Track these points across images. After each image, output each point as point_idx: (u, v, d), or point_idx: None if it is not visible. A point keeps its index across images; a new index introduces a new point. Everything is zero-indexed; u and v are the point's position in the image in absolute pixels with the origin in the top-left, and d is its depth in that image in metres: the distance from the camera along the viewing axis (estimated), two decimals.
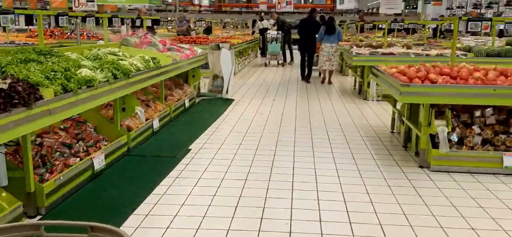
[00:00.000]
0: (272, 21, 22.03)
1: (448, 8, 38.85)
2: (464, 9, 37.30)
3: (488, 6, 33.42)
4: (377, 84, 8.40)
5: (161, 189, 4.07)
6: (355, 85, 10.19)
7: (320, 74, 11.66)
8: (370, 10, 38.98)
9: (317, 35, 10.91)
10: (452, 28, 18.98)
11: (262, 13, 26.59)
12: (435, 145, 4.53)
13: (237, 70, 13.21)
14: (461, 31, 19.22)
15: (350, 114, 7.41)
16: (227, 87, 8.59)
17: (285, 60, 15.59)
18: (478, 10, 34.38)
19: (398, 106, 5.95)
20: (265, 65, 15.26)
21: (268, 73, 13.41)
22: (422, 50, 8.70)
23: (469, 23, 4.95)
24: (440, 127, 4.35)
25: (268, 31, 15.79)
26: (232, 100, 8.51)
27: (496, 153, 4.39)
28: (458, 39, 12.90)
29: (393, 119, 6.16)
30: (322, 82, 11.10)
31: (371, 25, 15.77)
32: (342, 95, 9.30)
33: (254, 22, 22.52)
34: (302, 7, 40.81)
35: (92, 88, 3.90)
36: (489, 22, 4.90)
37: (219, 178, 4.36)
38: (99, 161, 4.30)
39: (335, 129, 6.34)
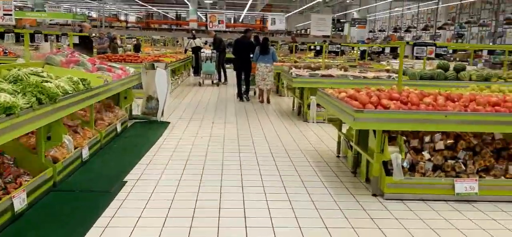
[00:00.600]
0: (203, 40, 21.73)
1: (370, 31, 40.89)
2: (385, 33, 39.39)
3: (407, 30, 35.51)
4: (318, 105, 8.34)
5: (94, 232, 3.54)
6: (293, 106, 10.09)
7: (255, 93, 11.89)
8: (298, 31, 39.96)
9: (252, 55, 10.94)
10: (379, 50, 19.83)
11: (194, 31, 26.21)
12: (388, 172, 4.41)
13: (170, 89, 12.65)
14: (385, 53, 20.09)
15: (293, 137, 7.22)
16: (162, 109, 8.08)
17: (220, 79, 15.28)
18: (398, 34, 36.44)
19: (344, 130, 5.84)
20: (199, 84, 14.83)
21: (203, 93, 13.00)
22: (359, 72, 8.79)
23: (415, 48, 4.96)
24: (394, 154, 4.23)
25: (202, 50, 15.41)
26: (168, 123, 8.01)
27: (447, 180, 4.34)
28: (388, 61, 13.38)
29: (338, 143, 6.04)
30: (261, 102, 11.10)
31: (304, 45, 15.90)
32: (281, 117, 9.13)
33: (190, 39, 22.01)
34: (232, 27, 40.98)
35: (13, 116, 3.30)
36: (434, 47, 4.93)
37: (162, 216, 3.89)
38: (20, 200, 3.67)
39: (280, 154, 6.08)
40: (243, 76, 11.40)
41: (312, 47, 18.05)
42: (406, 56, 16.50)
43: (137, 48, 18.27)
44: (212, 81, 15.15)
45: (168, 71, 8.37)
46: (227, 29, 32.55)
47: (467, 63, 11.40)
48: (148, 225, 3.70)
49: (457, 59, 20.60)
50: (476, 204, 4.30)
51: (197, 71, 16.72)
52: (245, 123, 8.32)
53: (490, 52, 16.30)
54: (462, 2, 26.63)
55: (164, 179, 4.92)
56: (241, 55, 11.21)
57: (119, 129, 6.84)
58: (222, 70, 15.48)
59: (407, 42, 4.93)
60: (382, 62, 13.50)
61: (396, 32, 38.05)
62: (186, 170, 5.26)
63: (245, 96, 11.41)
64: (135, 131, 7.36)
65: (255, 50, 10.91)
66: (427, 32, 33.11)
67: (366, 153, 4.79)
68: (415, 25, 34.62)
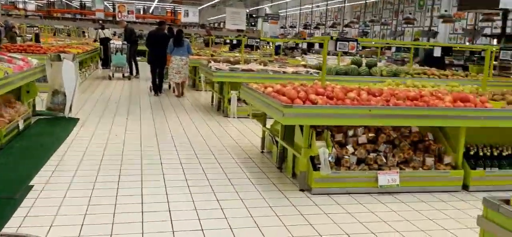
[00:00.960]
0: (112, 30, 20.64)
1: (282, 27, 41.87)
2: (296, 29, 40.55)
3: (316, 27, 36.87)
4: (238, 100, 8.22)
5: None
6: (212, 101, 9.87)
7: (170, 87, 11.62)
8: (211, 24, 39.70)
9: (167, 48, 10.69)
10: (293, 45, 20.25)
11: (101, 21, 24.80)
12: (315, 167, 4.40)
13: (79, 83, 11.78)
14: (298, 49, 20.62)
15: (215, 133, 7.01)
16: (70, 104, 7.42)
17: (131, 73, 14.55)
18: (308, 30, 37.71)
19: (269, 125, 5.77)
20: (109, 78, 13.99)
21: (114, 87, 12.27)
22: (278, 67, 8.82)
23: (338, 43, 5.01)
24: (321, 149, 4.22)
25: (112, 41, 14.56)
26: (77, 119, 7.38)
27: (371, 173, 4.44)
28: (302, 57, 13.68)
29: (263, 139, 5.95)
30: (177, 95, 10.89)
31: (220, 39, 15.70)
32: (201, 112, 8.87)
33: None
34: (142, 18, 39.50)
35: None
36: (355, 42, 5.02)
37: (77, 223, 3.50)
38: None
39: (204, 152, 5.85)
40: (157, 70, 11.08)
41: (228, 41, 17.90)
42: (316, 52, 17.08)
43: (38, 38, 16.82)
44: (123, 75, 14.38)
45: (76, 63, 7.71)
46: (137, 20, 31.28)
47: (375, 58, 11.99)
48: (62, 236, 3.29)
49: (364, 55, 21.82)
50: (398, 196, 4.46)
51: (106, 64, 15.80)
52: (162, 119, 7.95)
53: (398, 50, 17.36)
54: (366, 1, 28.17)
55: (76, 182, 4.47)
56: (155, 47, 10.89)
57: (21, 126, 6.14)
58: (133, 63, 14.76)
59: (331, 37, 4.96)
60: (297, 57, 13.76)
61: (306, 29, 39.36)
62: (101, 171, 4.83)
63: (159, 91, 11.10)
64: (40, 128, 6.67)
65: (168, 42, 10.69)
66: (334, 29, 34.66)
67: (292, 148, 4.75)
68: (324, 22, 36.05)
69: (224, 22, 38.61)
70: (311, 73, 8.54)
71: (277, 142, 5.24)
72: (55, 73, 7.34)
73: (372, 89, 5.00)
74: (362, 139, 4.70)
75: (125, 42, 14.02)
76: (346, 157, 4.51)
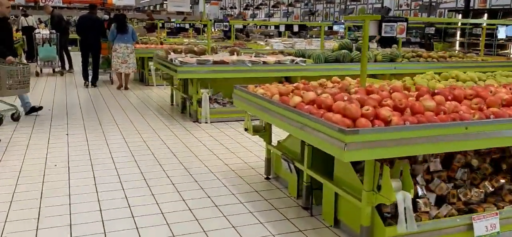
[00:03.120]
0: (36, 17, 17.97)
1: (221, 8, 39.89)
2: (236, 9, 38.80)
3: (257, 8, 35.33)
4: (211, 100, 6.54)
5: None
6: (172, 101, 8.06)
7: (110, 77, 10.71)
8: (148, 7, 36.91)
9: (109, 34, 9.59)
10: (241, 28, 18.52)
11: (22, 7, 21.68)
12: (384, 217, 2.89)
13: None
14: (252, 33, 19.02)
15: (189, 147, 5.30)
16: None
17: (63, 67, 12.25)
18: (250, 11, 36.11)
19: (276, 141, 4.17)
20: (37, 74, 11.65)
21: (44, 85, 10.06)
22: (255, 57, 7.17)
23: (384, 24, 3.52)
24: (401, 193, 2.70)
25: (37, 30, 12.14)
26: None
27: (463, 219, 2.99)
28: (266, 41, 12.10)
29: (268, 161, 4.33)
30: (119, 87, 9.68)
31: (172, 23, 13.67)
32: (161, 115, 7.06)
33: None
34: (68, 2, 35.88)
35: None
36: (405, 23, 3.54)
37: None
38: None
39: (185, 182, 4.15)
40: (90, 59, 10.06)
41: (190, 25, 15.76)
42: (271, 36, 15.53)
43: None
44: (53, 70, 12.08)
45: None
46: (63, 5, 28.04)
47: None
48: None
49: (313, 36, 20.61)
50: None
51: (31, 56, 13.34)
52: (113, 128, 6.08)
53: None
54: None
55: None
56: (86, 34, 9.77)
57: None
58: (65, 55, 12.47)
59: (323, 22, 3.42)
60: (260, 42, 12.16)
61: (247, 9, 37.78)
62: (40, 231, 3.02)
63: (92, 83, 9.97)
64: None
65: (102, 27, 10.02)
66: (277, 9, 33.34)
67: (331, 182, 3.22)
68: (266, 2, 34.56)
69: (161, 4, 36.02)
70: (296, 63, 7.01)
71: (297, 171, 3.67)
72: None
73: (422, 88, 3.52)
74: (435, 165, 3.25)
75: (53, 31, 11.70)
76: (423, 197, 3.04)
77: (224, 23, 8.57)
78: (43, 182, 4.11)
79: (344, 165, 3.13)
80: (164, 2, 33.06)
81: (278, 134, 4.62)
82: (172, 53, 7.18)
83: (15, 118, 6.49)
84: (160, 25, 12.00)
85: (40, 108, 6.99)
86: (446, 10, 16.41)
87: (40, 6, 23.46)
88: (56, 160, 4.76)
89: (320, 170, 3.46)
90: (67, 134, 5.82)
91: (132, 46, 9.55)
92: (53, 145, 5.31)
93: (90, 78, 9.95)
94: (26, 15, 14.22)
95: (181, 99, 7.31)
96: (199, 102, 6.60)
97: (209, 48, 7.52)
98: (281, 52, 8.59)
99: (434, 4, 17.71)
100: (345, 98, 3.00)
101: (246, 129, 4.26)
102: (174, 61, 6.63)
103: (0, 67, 6.02)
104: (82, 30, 9.93)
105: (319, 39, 14.29)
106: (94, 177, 4.26)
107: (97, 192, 3.91)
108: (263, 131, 4.23)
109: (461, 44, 14.59)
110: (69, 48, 12.85)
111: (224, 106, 6.86)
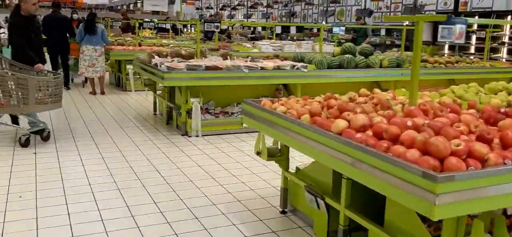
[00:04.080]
0: (3, 16, 16.76)
1: (197, 9, 38.95)
2: (212, 10, 37.96)
3: (234, 8, 34.58)
4: (202, 110, 5.75)
5: None
6: (155, 110, 7.19)
7: (86, 82, 9.90)
8: (122, 6, 35.59)
9: (76, 35, 8.92)
10: (225, 28, 17.68)
11: None
12: None
13: None
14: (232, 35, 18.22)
15: (181, 169, 4.48)
16: None
17: None
18: (226, 11, 35.33)
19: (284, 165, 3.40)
20: None
21: None
22: (250, 62, 6.39)
23: (441, 27, 2.83)
24: None
25: (2, 30, 11.01)
26: None
27: None
28: (254, 43, 11.33)
29: (285, 190, 3.56)
30: (93, 93, 8.93)
31: (152, 23, 12.73)
32: (144, 127, 6.21)
33: None
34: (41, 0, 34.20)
35: None
36: (465, 25, 2.85)
37: None
38: None
39: (181, 215, 3.35)
40: (59, 60, 9.24)
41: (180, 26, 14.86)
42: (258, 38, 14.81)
43: None
44: None
45: None
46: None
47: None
48: None
49: (295, 38, 19.99)
50: None
51: None
52: (91, 147, 5.19)
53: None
54: None
55: None
56: (52, 34, 8.98)
57: None
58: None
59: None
60: (245, 44, 11.40)
61: (223, 10, 37.10)
62: None
63: (66, 86, 9.17)
64: None
65: (69, 26, 9.25)
66: (254, 10, 32.72)
67: (384, 231, 2.50)
68: (244, 3, 33.90)
69: (135, 3, 34.74)
70: (297, 68, 6.28)
71: (327, 207, 2.93)
72: None
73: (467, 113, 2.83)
74: None
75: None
76: None
77: (215, 24, 7.70)
78: (4, 214, 3.24)
79: (403, 211, 2.40)
80: (138, 1, 31.89)
81: (297, 158, 3.88)
82: (156, 57, 6.33)
83: (45, 137, 5.31)
84: (137, 25, 11.04)
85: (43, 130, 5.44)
86: (433, 13, 16.04)
87: (6, 3, 22.10)
88: (21, 188, 3.87)
89: (360, 208, 2.73)
90: (35, 153, 4.92)
91: (102, 48, 8.82)
92: (17, 168, 4.41)
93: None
94: None
95: (166, 108, 6.47)
96: (189, 112, 5.78)
97: (198, 52, 6.70)
98: (276, 56, 7.84)
99: (419, 6, 17.35)
100: (409, 123, 2.28)
101: (258, 153, 3.49)
102: (160, 66, 5.79)
103: (28, 77, 4.87)
104: (47, 31, 9.07)
105: (307, 42, 13.70)
106: (68, 214, 3.40)
107: (72, 232, 3.06)
108: (279, 156, 3.47)
109: (451, 47, 14.19)
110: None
111: (217, 117, 6.07)
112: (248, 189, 4.03)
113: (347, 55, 6.68)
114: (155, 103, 7.18)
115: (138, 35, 12.31)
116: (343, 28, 9.13)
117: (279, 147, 3.49)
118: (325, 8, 24.26)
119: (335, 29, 8.91)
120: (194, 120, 5.71)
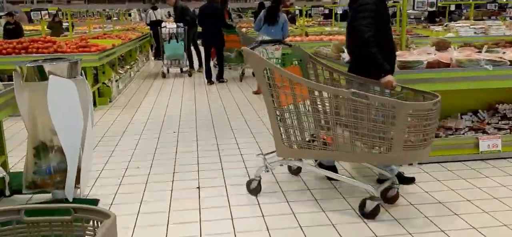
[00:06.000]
0: (166, 10, 17.00)
1: None
2: None
3: None
4: None
5: None
6: None
7: (241, 76, 9.27)
8: None
9: (255, 23, 8.25)
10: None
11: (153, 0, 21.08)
12: None
13: (119, 89, 7.98)
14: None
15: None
16: (75, 172, 3.34)
17: (192, 66, 10.51)
18: None
19: None
20: (163, 75, 10.07)
21: (169, 90, 8.35)
22: (486, 53, 4.29)
23: None
24: None
25: (164, 25, 10.56)
26: (95, 201, 3.40)
27: None
28: (447, 26, 8.98)
29: None
30: (257, 92, 7.63)
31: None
32: None
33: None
34: None
35: None
36: None
37: None
38: None
39: None
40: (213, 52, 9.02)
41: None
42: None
43: (58, 25, 13.23)
44: (181, 69, 10.43)
45: (85, 82, 3.48)
46: None
47: None
48: None
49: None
50: None
51: (158, 54, 12.02)
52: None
53: None
54: None
55: None
56: (206, 25, 8.72)
57: None
58: (194, 51, 10.76)
59: None
60: (433, 28, 9.15)
61: None
62: None
63: (220, 79, 8.92)
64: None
65: (223, 17, 8.95)
66: None
67: None
68: None
69: None
70: None
71: None
72: (35, 108, 3.31)
73: None
74: None
75: (180, 25, 10.00)
76: None
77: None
78: None
79: None
80: None
81: None
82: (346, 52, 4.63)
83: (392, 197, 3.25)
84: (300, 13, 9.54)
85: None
86: None
87: None
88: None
89: None
90: (198, 187, 3.65)
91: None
92: (177, 197, 3.16)
93: (214, 76, 8.94)
94: (154, 8, 12.93)
95: None
96: None
97: (403, 42, 4.79)
98: (496, 44, 5.53)
99: None
100: None
101: None
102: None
103: (398, 105, 2.80)
104: (201, 22, 8.97)
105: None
106: None
107: None
108: None
109: None
110: (198, 42, 11.11)
111: (437, 135, 4.14)
112: None
113: None
114: None
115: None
116: None
117: None
118: None
119: None
120: None
